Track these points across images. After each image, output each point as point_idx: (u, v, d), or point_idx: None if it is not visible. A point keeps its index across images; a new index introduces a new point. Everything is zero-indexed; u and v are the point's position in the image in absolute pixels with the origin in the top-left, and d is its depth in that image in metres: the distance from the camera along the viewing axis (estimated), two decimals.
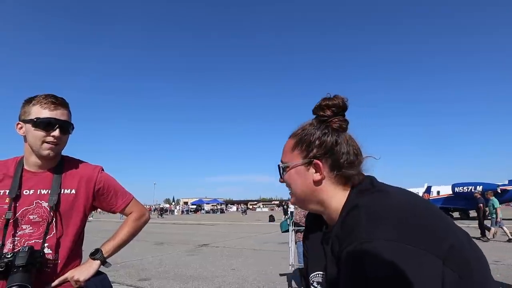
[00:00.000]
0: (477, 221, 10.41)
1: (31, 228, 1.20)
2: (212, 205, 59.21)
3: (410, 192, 0.68)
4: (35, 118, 1.17)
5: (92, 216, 27.21)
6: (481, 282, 0.59)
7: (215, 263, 6.60)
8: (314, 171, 0.74)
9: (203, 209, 54.07)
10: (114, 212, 1.43)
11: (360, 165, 0.75)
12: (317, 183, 0.74)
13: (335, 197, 0.73)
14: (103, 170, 1.40)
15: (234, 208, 64.29)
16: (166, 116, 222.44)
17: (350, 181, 0.73)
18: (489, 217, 10.16)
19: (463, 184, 19.01)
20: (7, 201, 1.19)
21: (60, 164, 1.30)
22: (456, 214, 19.89)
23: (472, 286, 0.57)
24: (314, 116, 0.79)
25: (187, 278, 5.26)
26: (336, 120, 0.75)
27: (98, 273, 1.26)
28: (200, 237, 12.14)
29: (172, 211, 49.37)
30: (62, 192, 1.25)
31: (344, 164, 0.72)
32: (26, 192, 1.22)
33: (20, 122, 1.22)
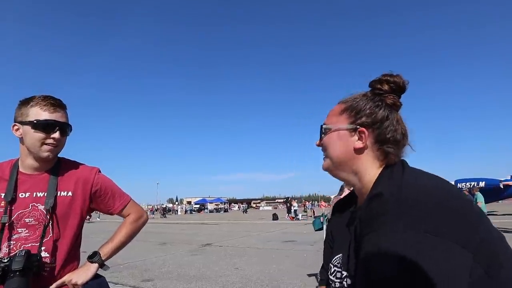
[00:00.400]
0: None
1: (27, 231, 1.18)
2: (216, 204, 59.33)
3: (442, 178, 0.64)
4: (34, 120, 1.16)
5: (99, 217, 27.38)
6: (509, 279, 0.55)
7: (219, 262, 6.58)
8: (357, 138, 0.74)
9: (207, 209, 54.15)
10: (111, 214, 1.42)
11: (402, 148, 0.74)
12: (358, 151, 0.73)
13: (370, 171, 0.72)
14: (100, 171, 1.38)
15: (237, 207, 64.31)
16: (168, 114, 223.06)
17: (387, 161, 0.73)
18: None
19: (465, 180, 18.92)
20: (2, 204, 1.17)
21: (56, 166, 1.28)
22: None
23: (499, 283, 0.54)
24: (369, 89, 0.78)
25: (191, 278, 5.25)
26: (392, 96, 0.74)
27: (96, 276, 1.25)
28: (203, 236, 12.14)
29: (175, 211, 49.44)
30: (58, 194, 1.23)
31: (389, 140, 0.72)
32: (21, 195, 1.20)
33: (16, 124, 1.21)
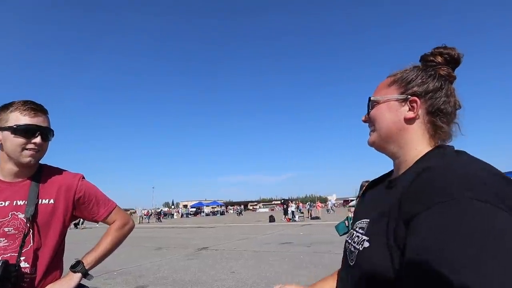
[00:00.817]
0: None
1: (6, 241, 1.14)
2: (212, 207, 59.10)
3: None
4: (14, 125, 1.12)
5: (97, 223, 26.85)
6: None
7: (215, 266, 6.51)
8: (407, 109, 0.71)
9: (203, 212, 53.92)
10: (96, 221, 1.38)
11: (452, 123, 0.72)
12: (409, 121, 0.70)
13: (418, 145, 0.70)
14: (84, 178, 1.34)
15: (232, 210, 64.17)
16: (164, 116, 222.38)
17: (437, 136, 0.70)
18: None
19: None
20: None
21: (38, 173, 1.24)
22: None
23: None
24: (421, 63, 0.76)
25: (186, 283, 5.18)
26: (446, 68, 0.72)
27: (79, 286, 1.20)
28: (199, 240, 12.03)
29: (171, 215, 49.12)
30: (39, 202, 1.19)
31: (442, 111, 0.69)
32: (1, 203, 1.16)
33: None
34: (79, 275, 1.20)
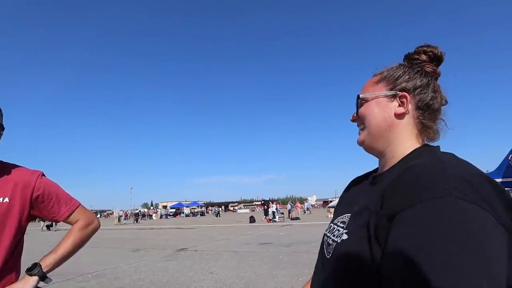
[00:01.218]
0: None
1: None
2: (192, 208, 58.45)
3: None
4: None
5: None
6: None
7: (193, 267, 6.43)
8: (397, 104, 0.71)
9: (183, 213, 53.21)
10: (57, 221, 1.31)
11: (438, 119, 0.73)
12: (399, 116, 0.71)
13: (406, 141, 0.70)
14: (43, 175, 1.27)
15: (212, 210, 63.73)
16: (142, 116, 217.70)
17: (424, 133, 0.71)
18: None
19: None
20: None
21: None
22: None
23: None
24: (405, 61, 0.77)
25: (163, 285, 5.09)
26: (430, 65, 0.74)
27: None
28: (178, 241, 11.86)
29: (150, 216, 48.14)
30: None
31: (430, 106, 0.70)
32: None
33: None
34: (35, 278, 1.13)
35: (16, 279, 1.17)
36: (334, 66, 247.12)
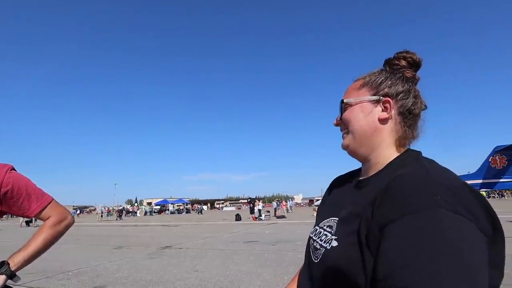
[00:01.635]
0: None
1: None
2: (178, 205, 57.88)
3: None
4: None
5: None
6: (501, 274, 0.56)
7: (178, 265, 6.36)
8: (380, 109, 0.73)
9: (168, 210, 52.64)
10: (28, 217, 1.26)
11: (418, 123, 0.74)
12: (382, 121, 0.72)
13: (389, 146, 0.72)
14: (13, 169, 1.21)
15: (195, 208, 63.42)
16: (128, 111, 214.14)
17: (405, 137, 0.73)
18: None
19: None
20: None
21: None
22: None
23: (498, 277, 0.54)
24: (385, 66, 0.79)
25: (147, 283, 5.01)
26: (410, 70, 0.75)
27: None
28: (163, 238, 11.72)
29: (134, 213, 47.39)
30: None
31: (411, 111, 0.72)
32: None
33: None
34: (3, 277, 1.09)
35: None
36: (334, 66, 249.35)
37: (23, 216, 1.24)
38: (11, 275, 1.10)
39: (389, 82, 0.73)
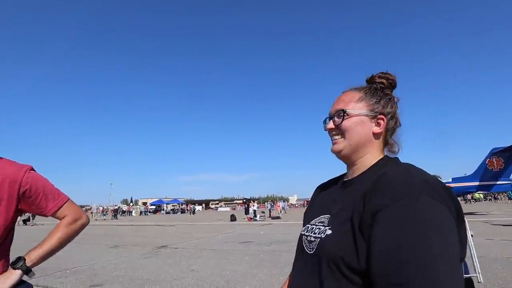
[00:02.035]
0: None
1: None
2: (173, 205, 57.70)
3: None
4: None
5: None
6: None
7: (174, 265, 6.44)
8: (374, 125, 0.85)
9: (163, 210, 52.47)
10: (45, 216, 1.31)
11: (395, 137, 0.90)
12: (376, 136, 0.85)
13: (375, 156, 0.84)
14: (32, 169, 1.27)
15: (196, 208, 63.18)
16: (124, 111, 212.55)
17: (387, 148, 0.88)
18: None
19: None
20: None
21: None
22: None
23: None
24: (370, 83, 0.91)
25: (144, 282, 5.08)
26: (390, 91, 0.89)
27: (21, 282, 1.16)
28: (158, 238, 11.76)
29: (129, 212, 47.17)
30: None
31: (394, 129, 0.88)
32: None
33: None
34: (19, 272, 1.14)
35: (4, 271, 1.18)
36: (334, 66, 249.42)
37: (40, 215, 1.30)
38: (27, 271, 1.16)
39: (383, 102, 0.86)
